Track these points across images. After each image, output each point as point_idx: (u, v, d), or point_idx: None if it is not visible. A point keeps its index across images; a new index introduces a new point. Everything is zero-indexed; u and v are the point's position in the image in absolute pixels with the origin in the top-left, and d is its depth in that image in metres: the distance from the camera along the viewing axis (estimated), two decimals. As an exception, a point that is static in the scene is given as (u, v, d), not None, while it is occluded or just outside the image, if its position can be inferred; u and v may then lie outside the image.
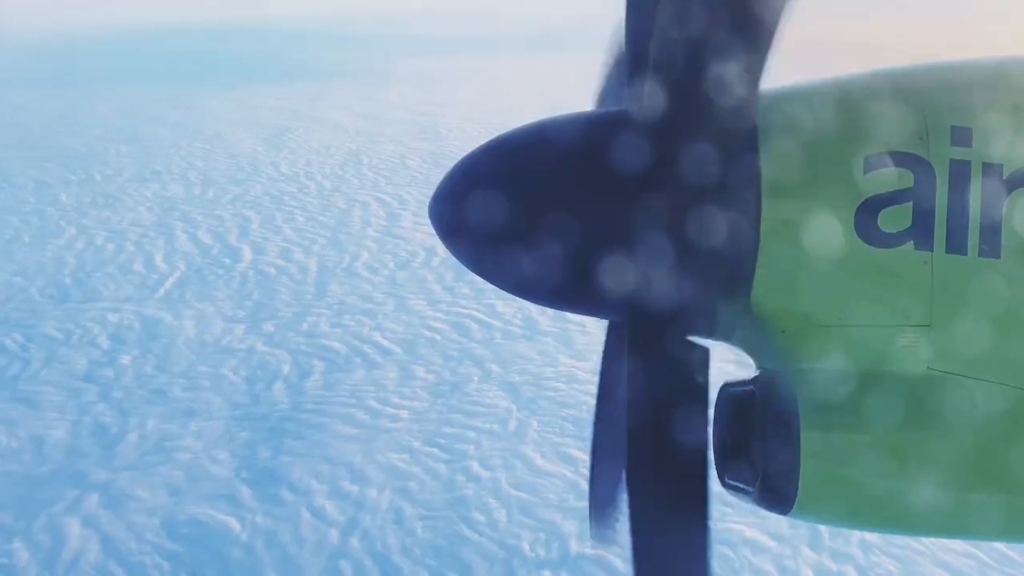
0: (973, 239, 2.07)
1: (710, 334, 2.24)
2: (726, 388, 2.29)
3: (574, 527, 11.46)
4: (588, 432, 2.99)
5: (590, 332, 16.68)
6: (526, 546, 11.13)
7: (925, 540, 10.79)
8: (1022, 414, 2.13)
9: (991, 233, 2.07)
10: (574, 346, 16.55)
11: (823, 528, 11.23)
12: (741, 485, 2.22)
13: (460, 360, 16.22)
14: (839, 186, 2.11)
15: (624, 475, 2.32)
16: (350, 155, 31.95)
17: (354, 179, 28.74)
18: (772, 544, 11.03)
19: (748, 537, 10.91)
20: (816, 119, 2.16)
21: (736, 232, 2.09)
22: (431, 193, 2.36)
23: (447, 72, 50.46)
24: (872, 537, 10.94)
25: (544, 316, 17.50)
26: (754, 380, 2.32)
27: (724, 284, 2.17)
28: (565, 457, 13.05)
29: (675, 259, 2.09)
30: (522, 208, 2.22)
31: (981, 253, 2.08)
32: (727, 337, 2.31)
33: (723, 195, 2.07)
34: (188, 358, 16.37)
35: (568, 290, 2.31)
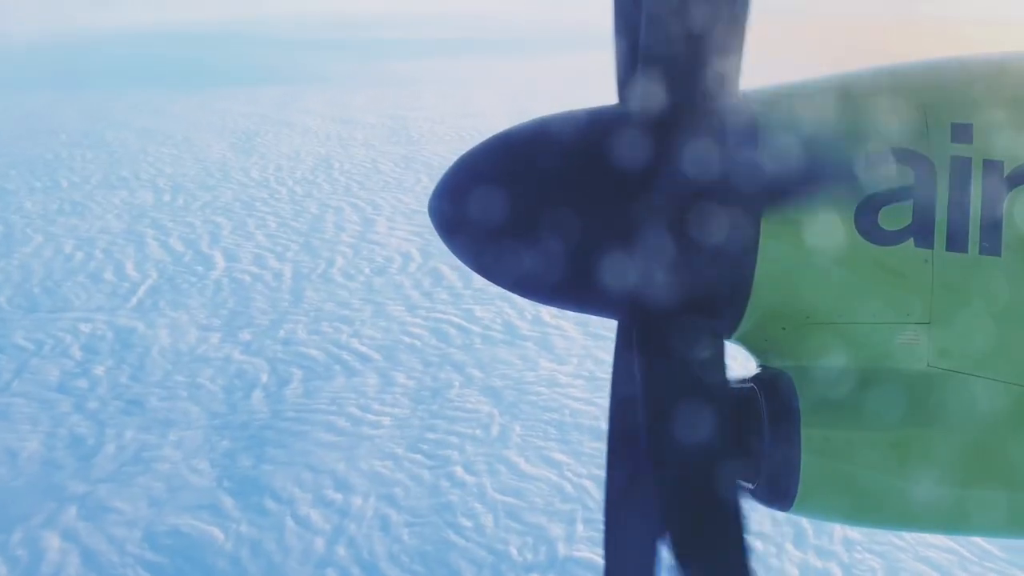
0: (974, 236, 2.07)
1: (710, 331, 2.24)
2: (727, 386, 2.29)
3: (561, 530, 11.46)
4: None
5: (570, 336, 16.71)
6: (514, 550, 11.10)
7: (907, 536, 10.88)
8: (1022, 411, 2.14)
9: (992, 230, 2.07)
10: (554, 350, 16.54)
11: (807, 526, 11.31)
12: (742, 482, 2.22)
13: (440, 366, 16.14)
14: (839, 183, 2.11)
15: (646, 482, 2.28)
16: (321, 160, 31.70)
17: (326, 184, 28.47)
18: (757, 543, 11.08)
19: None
20: (816, 116, 2.16)
21: (736, 229, 2.09)
22: (427, 192, 2.34)
23: (418, 75, 50.30)
24: (855, 534, 11.03)
25: (524, 321, 17.49)
26: (755, 377, 2.32)
27: (724, 281, 2.17)
28: (549, 461, 13.04)
29: (676, 256, 2.09)
30: (523, 205, 2.21)
31: (982, 251, 2.08)
32: (727, 334, 2.31)
33: (723, 192, 2.07)
34: (164, 368, 16.13)
35: (568, 287, 2.30)
